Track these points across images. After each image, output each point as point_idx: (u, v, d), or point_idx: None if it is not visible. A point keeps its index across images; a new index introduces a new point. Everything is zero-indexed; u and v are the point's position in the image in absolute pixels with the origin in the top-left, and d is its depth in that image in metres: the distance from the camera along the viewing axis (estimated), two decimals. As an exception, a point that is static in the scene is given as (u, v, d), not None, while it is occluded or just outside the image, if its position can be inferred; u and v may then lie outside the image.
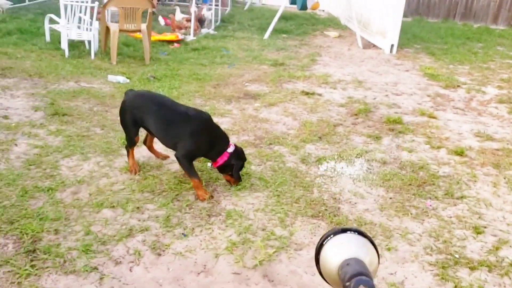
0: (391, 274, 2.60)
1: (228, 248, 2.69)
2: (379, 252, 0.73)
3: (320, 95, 5.94)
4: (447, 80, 6.88)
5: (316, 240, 2.84)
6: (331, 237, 0.79)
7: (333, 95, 5.98)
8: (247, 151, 4.05)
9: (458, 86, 6.68)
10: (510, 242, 2.95)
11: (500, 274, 2.65)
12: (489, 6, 13.38)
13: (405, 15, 9.46)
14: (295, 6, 10.07)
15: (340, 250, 0.76)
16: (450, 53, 9.00)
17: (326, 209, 3.20)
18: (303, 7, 9.66)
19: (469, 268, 2.68)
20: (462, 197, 3.47)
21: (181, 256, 2.61)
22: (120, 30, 6.93)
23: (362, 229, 2.91)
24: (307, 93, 5.93)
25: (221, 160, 3.31)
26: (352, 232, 0.80)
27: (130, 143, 3.50)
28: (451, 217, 3.20)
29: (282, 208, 3.17)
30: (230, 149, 3.33)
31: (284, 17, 11.98)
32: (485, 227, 3.10)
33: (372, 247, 0.78)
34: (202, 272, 2.49)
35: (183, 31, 9.39)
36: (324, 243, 0.79)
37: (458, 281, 2.56)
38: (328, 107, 5.48)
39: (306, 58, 8.05)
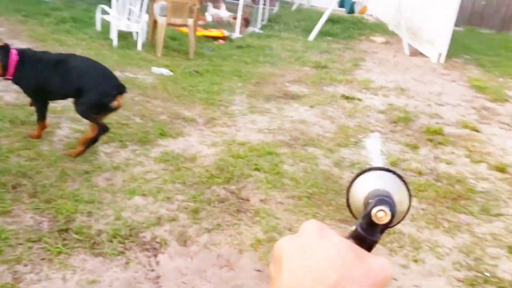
0: (416, 286, 2.54)
1: (253, 245, 2.71)
2: (411, 201, 0.73)
3: (360, 100, 5.87)
4: (495, 94, 6.64)
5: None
6: (372, 170, 0.79)
7: (373, 101, 5.89)
8: (281, 151, 4.06)
9: (507, 100, 6.43)
10: (547, 266, 2.82)
11: (532, 298, 2.54)
12: (548, 19, 12.78)
13: (456, 24, 9.18)
14: (343, 9, 9.97)
15: (375, 182, 0.76)
16: (501, 66, 8.67)
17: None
18: (351, 10, 9.56)
19: (499, 287, 2.59)
20: (499, 215, 3.35)
21: (206, 249, 2.64)
22: (168, 24, 7.08)
23: (392, 237, 2.86)
24: (347, 98, 5.87)
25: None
26: (390, 172, 0.79)
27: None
28: (485, 234, 3.10)
29: (311, 210, 3.16)
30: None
31: (331, 20, 11.87)
32: None
33: (406, 190, 0.78)
34: (225, 266, 2.52)
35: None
36: (360, 174, 0.79)
37: (486, 300, 2.48)
38: (367, 113, 5.40)
39: (349, 62, 7.96)
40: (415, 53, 9.29)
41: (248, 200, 3.22)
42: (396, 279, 2.57)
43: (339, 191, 3.47)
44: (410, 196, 0.81)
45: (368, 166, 0.82)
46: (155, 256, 2.55)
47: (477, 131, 5.09)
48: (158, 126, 4.24)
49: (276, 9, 13.42)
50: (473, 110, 5.88)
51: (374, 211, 0.63)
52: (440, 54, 8.62)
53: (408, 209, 0.82)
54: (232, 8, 10.92)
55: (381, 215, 0.60)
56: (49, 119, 4.08)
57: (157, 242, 2.66)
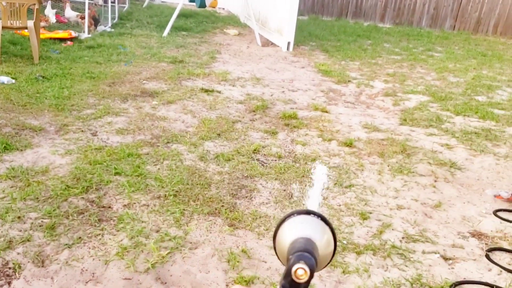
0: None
1: (118, 254, 2.59)
2: (337, 244, 0.72)
3: (219, 92, 5.96)
4: (339, 76, 7.26)
5: (212, 237, 2.84)
6: (294, 216, 0.78)
7: (232, 92, 6.03)
8: (143, 151, 3.95)
9: (349, 81, 7.07)
10: (392, 226, 3.18)
11: (383, 257, 2.84)
12: (376, 5, 14.34)
13: (301, 14, 9.83)
14: (194, 3, 10.00)
15: (297, 228, 0.75)
16: (342, 50, 9.50)
17: (222, 206, 3.21)
18: (202, 4, 9.64)
19: (356, 252, 2.84)
20: (350, 186, 3.68)
21: (67, 266, 2.46)
22: (4, 28, 6.39)
23: (258, 221, 2.96)
24: (206, 91, 5.92)
25: None
26: (315, 216, 0.79)
27: None
28: (340, 205, 3.38)
29: (178, 208, 3.13)
30: None
31: (184, 15, 11.87)
32: (370, 213, 3.31)
33: (330, 234, 0.78)
34: (90, 281, 2.38)
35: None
36: (285, 219, 0.78)
37: (345, 266, 2.70)
38: (227, 104, 5.51)
39: (205, 56, 8.04)
40: (266, 43, 9.73)
41: (110, 207, 3.07)
42: (265, 261, 2.68)
43: (205, 184, 3.49)
44: (334, 237, 0.82)
45: (291, 211, 0.82)
46: (9, 283, 2.30)
47: (326, 112, 5.52)
48: (1, 140, 3.82)
49: (126, 6, 12.97)
50: (322, 93, 6.36)
51: (293, 269, 0.62)
52: (288, 43, 9.15)
53: (334, 251, 0.83)
54: (78, 7, 10.29)
55: (300, 273, 0.59)
56: None
57: (9, 268, 2.40)
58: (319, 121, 5.15)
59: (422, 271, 2.72)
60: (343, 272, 2.65)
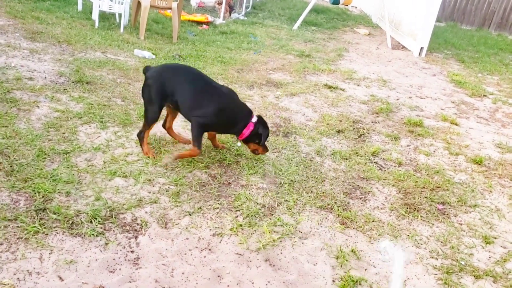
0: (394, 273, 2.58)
1: (233, 229, 2.70)
2: None
3: (343, 90, 5.89)
4: (474, 89, 6.75)
5: (322, 231, 2.84)
6: None
7: (356, 91, 5.92)
8: (263, 137, 4.05)
9: (485, 95, 6.55)
10: (519, 256, 2.90)
11: (505, 286, 2.61)
12: (527, 18, 13.03)
13: (438, 20, 9.30)
14: (327, 0, 9.97)
15: None
16: (480, 62, 8.82)
17: (335, 202, 3.19)
18: (336, 1, 9.57)
19: (474, 276, 2.64)
20: (475, 206, 3.42)
21: (187, 232, 2.63)
22: (151, 6, 6.97)
23: (371, 225, 2.89)
24: (330, 87, 5.89)
25: (247, 131, 3.37)
26: None
27: (152, 120, 3.35)
28: (461, 224, 3.16)
29: (292, 197, 3.17)
30: (254, 119, 3.39)
31: (316, 10, 11.88)
32: (495, 238, 3.05)
33: None
34: (205, 249, 2.51)
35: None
36: None
37: (461, 287, 2.53)
38: (349, 102, 5.43)
39: (333, 52, 7.98)
40: (397, 46, 9.38)
41: (229, 184, 3.21)
42: (374, 266, 2.61)
43: (320, 179, 3.49)
44: None
45: None
46: (136, 237, 2.52)
47: (455, 124, 5.17)
48: (140, 108, 4.18)
49: (261, -4, 13.33)
50: (452, 104, 5.97)
51: None
52: (421, 48, 8.72)
53: None
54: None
55: None
56: (27, 96, 3.99)
57: (137, 224, 2.63)
58: (447, 132, 4.85)
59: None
60: (458, 294, 2.49)
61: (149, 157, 3.36)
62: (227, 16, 9.44)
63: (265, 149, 3.49)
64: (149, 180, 3.08)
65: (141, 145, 3.44)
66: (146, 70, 3.40)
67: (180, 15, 7.36)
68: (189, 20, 8.57)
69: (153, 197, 2.90)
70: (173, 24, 7.00)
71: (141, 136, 3.42)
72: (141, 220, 2.66)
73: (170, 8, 7.12)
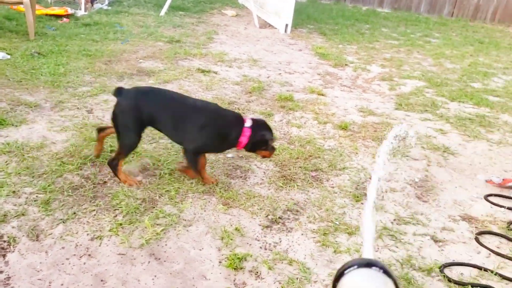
0: (276, 243, 2.71)
1: (113, 230, 2.61)
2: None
3: (216, 73, 5.94)
4: (336, 59, 7.24)
5: (206, 215, 2.87)
6: (354, 268, 0.75)
7: (228, 73, 6.01)
8: (137, 130, 3.94)
9: (346, 65, 7.06)
10: (384, 208, 3.22)
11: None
12: (376, -10, 14.22)
13: (299, -4, 9.74)
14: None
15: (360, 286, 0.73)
16: (340, 33, 9.46)
17: (217, 185, 3.23)
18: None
19: (348, 233, 2.88)
20: (344, 168, 3.71)
21: (62, 240, 2.48)
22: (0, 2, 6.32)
23: (252, 201, 2.98)
24: (203, 71, 5.90)
25: (245, 138, 3.09)
26: (377, 269, 0.75)
27: (131, 148, 3.07)
28: (333, 187, 3.41)
29: (173, 186, 3.15)
30: (248, 123, 3.10)
31: (182, -6, 11.71)
32: (362, 195, 3.34)
33: (393, 285, 0.75)
34: (84, 255, 2.40)
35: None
36: (345, 272, 0.75)
37: (337, 246, 2.74)
38: (223, 85, 5.50)
39: (203, 36, 7.98)
40: (264, 25, 9.66)
41: (105, 183, 3.08)
42: (258, 240, 2.71)
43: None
44: None
45: (354, 260, 0.76)
46: (4, 256, 2.32)
47: (322, 95, 5.52)
48: (-4, 115, 3.81)
49: (123, -17, 12.77)
50: (318, 76, 6.35)
51: None
52: (286, 25, 9.10)
53: None
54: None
55: None
56: None
57: (4, 241, 2.42)
58: (315, 104, 5.16)
59: (412, 253, 2.76)
60: (335, 251, 2.69)
61: (131, 186, 3.05)
62: (89, 7, 8.91)
63: (273, 150, 3.24)
64: (13, 191, 2.83)
65: (116, 174, 3.06)
66: (118, 93, 2.99)
67: (35, 9, 6.77)
68: (46, 14, 7.93)
69: (19, 209, 2.68)
70: (28, 20, 6.42)
71: (113, 164, 3.03)
72: (8, 237, 2.45)
73: (21, 3, 6.51)
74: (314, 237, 2.80)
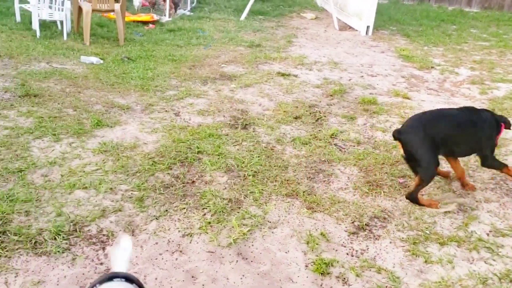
0: (364, 250, 2.64)
1: (202, 228, 2.69)
2: None
3: (296, 76, 5.94)
4: (421, 62, 6.96)
5: (291, 218, 2.87)
6: (96, 287, 0.77)
7: (309, 76, 5.99)
8: (222, 132, 4.05)
9: (432, 67, 6.76)
10: (479, 218, 3.03)
11: (468, 249, 2.72)
12: (463, -12, 13.48)
13: (381, -3, 9.49)
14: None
15: None
16: (425, 35, 9.08)
17: (300, 188, 3.23)
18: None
19: (439, 243, 2.74)
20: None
21: (155, 236, 2.60)
22: (93, 10, 6.78)
23: (337, 206, 2.95)
24: (283, 74, 5.93)
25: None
26: (119, 279, 0.77)
27: (432, 176, 3.11)
28: (422, 194, 3.27)
29: (257, 188, 3.18)
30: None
31: (261, -1, 11.87)
32: (453, 203, 3.17)
33: None
34: (176, 251, 2.50)
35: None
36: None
37: (428, 256, 2.62)
38: (303, 88, 5.49)
39: (282, 40, 8.02)
40: (344, 27, 9.52)
41: (193, 183, 3.19)
42: (344, 246, 2.66)
43: (283, 166, 3.52)
44: None
45: (96, 279, 0.79)
46: (103, 249, 2.47)
47: (408, 98, 5.33)
48: (93, 116, 4.08)
49: (205, -10, 13.19)
50: (403, 79, 6.14)
51: None
52: (368, 27, 8.89)
53: None
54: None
55: None
56: (-28, 117, 3.81)
57: (103, 235, 2.58)
58: (400, 107, 4.98)
59: (511, 267, 2.58)
60: (425, 261, 2.58)
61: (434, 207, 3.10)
62: (172, 13, 9.30)
63: None
64: (111, 188, 3.02)
65: (420, 204, 3.10)
66: (398, 133, 3.06)
67: (124, 16, 7.19)
68: (134, 21, 8.39)
69: (116, 205, 2.84)
70: (118, 26, 6.84)
71: (412, 197, 3.11)
72: (106, 231, 2.61)
73: (113, 11, 6.95)
74: (403, 246, 2.70)
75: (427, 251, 2.66)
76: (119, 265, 0.76)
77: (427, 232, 2.84)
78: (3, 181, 2.97)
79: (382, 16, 10.45)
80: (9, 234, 2.48)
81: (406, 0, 13.79)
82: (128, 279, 0.76)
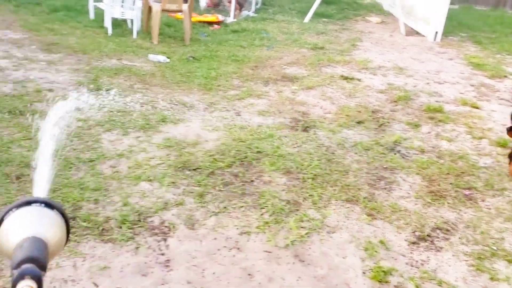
0: (424, 261, 2.56)
1: (260, 227, 2.72)
2: (70, 226, 0.66)
3: (359, 80, 5.85)
4: (493, 70, 6.63)
5: (350, 224, 2.83)
6: (13, 211, 0.70)
7: (372, 81, 5.87)
8: (282, 133, 4.06)
9: (505, 76, 6.43)
10: (552, 237, 2.85)
11: (539, 269, 2.57)
12: (543, -6, 12.70)
13: (452, 2, 9.12)
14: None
15: (20, 227, 0.68)
16: (498, 42, 8.64)
17: (361, 194, 3.18)
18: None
19: (507, 260, 2.61)
20: (502, 189, 3.37)
21: (214, 232, 2.65)
22: (162, 10, 7.01)
23: (398, 215, 2.87)
24: (346, 78, 5.85)
25: None
26: (38, 204, 0.70)
27: None
28: (490, 208, 3.12)
29: (316, 191, 3.17)
30: None
31: (326, 1, 11.76)
32: (525, 221, 3.00)
33: (58, 217, 0.70)
34: (234, 248, 2.54)
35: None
36: (4, 218, 0.70)
37: (494, 273, 2.50)
38: (367, 92, 5.39)
39: (346, 43, 7.92)
40: (411, 32, 9.25)
41: (252, 182, 3.22)
42: (404, 255, 2.59)
43: (343, 171, 3.48)
44: (64, 216, 0.73)
45: (10, 205, 0.72)
46: (165, 240, 2.56)
47: (476, 107, 5.09)
48: (159, 112, 4.23)
49: (269, -8, 13.27)
50: (472, 87, 5.88)
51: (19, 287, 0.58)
52: (436, 33, 8.58)
53: (68, 231, 0.75)
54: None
55: None
56: (48, 108, 4.06)
57: (165, 226, 2.66)
58: (468, 117, 4.78)
59: None
60: (491, 278, 2.46)
61: None
62: (237, 14, 9.44)
63: None
64: (173, 182, 3.11)
65: None
66: None
67: (191, 17, 7.39)
68: (200, 21, 8.59)
69: (178, 199, 2.93)
70: (185, 27, 7.04)
71: None
72: (168, 223, 2.69)
73: (181, 11, 7.15)
74: (467, 260, 2.59)
75: (493, 268, 2.54)
76: (39, 189, 0.70)
77: (494, 248, 2.71)
78: (75, 169, 3.14)
79: (452, 22, 10.05)
80: (78, 220, 2.62)
81: (479, 5, 13.20)
82: (49, 204, 0.71)
